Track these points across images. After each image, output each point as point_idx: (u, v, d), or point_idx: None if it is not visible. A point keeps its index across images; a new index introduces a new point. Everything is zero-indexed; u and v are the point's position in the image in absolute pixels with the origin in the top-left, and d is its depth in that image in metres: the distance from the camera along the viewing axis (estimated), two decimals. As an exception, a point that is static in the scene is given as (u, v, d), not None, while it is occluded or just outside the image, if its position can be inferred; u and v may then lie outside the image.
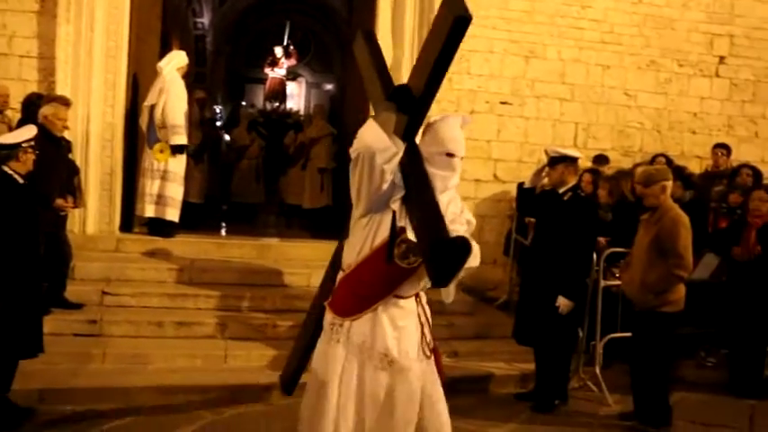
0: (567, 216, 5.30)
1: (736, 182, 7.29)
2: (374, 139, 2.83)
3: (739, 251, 6.15)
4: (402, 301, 3.08)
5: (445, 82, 8.28)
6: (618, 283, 5.83)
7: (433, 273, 2.75)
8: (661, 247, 4.97)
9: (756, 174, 7.41)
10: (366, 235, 2.99)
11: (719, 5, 9.07)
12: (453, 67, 7.91)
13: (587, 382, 5.85)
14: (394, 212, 2.91)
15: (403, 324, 3.07)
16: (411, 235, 2.84)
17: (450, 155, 3.04)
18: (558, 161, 5.37)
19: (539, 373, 5.53)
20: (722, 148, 8.32)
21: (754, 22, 9.22)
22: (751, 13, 9.21)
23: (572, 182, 5.43)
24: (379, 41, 7.60)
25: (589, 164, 7.89)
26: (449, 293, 3.05)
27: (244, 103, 19.05)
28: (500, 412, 5.29)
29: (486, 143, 8.31)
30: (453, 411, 5.19)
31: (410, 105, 2.98)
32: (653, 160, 8.00)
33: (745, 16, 9.18)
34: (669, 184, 5.15)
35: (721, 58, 9.17)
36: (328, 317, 3.13)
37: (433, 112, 7.77)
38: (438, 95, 8.42)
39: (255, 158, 11.77)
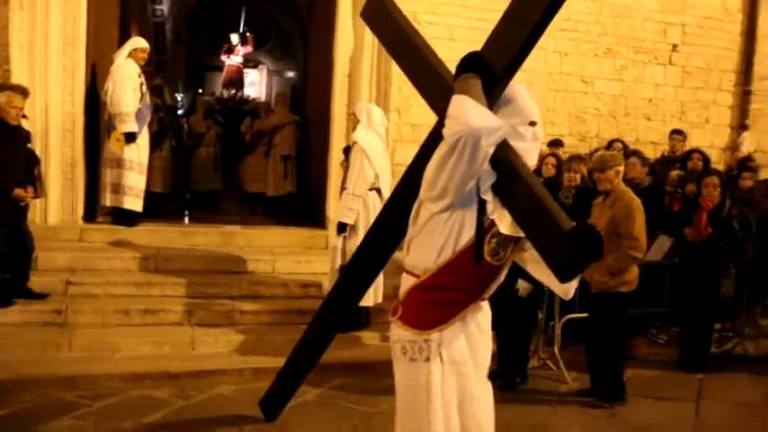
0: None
1: (688, 166, 7.52)
2: (481, 118, 2.39)
3: (691, 233, 6.37)
4: (483, 304, 2.80)
5: (407, 70, 8.37)
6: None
7: (561, 266, 2.38)
8: (616, 230, 5.13)
9: (705, 159, 7.67)
10: (449, 233, 2.58)
11: (673, -5, 9.31)
12: (414, 55, 8.09)
13: (547, 362, 6.02)
14: (481, 204, 2.54)
15: (487, 330, 2.82)
16: (504, 228, 2.55)
17: (534, 123, 2.70)
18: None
19: (500, 354, 5.67)
20: (679, 134, 8.57)
21: (704, 11, 9.47)
22: (702, 4, 9.45)
23: (532, 167, 5.54)
24: (339, 27, 7.77)
25: (546, 149, 8.05)
26: (570, 289, 2.61)
27: (200, 91, 18.88)
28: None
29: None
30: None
31: (491, 77, 2.61)
32: (609, 145, 8.20)
33: (696, 6, 9.42)
34: (622, 168, 5.33)
35: (674, 46, 9.40)
36: (403, 334, 2.70)
37: (395, 99, 7.98)
38: (400, 82, 8.58)
39: (212, 146, 11.71)
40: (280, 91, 16.30)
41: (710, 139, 9.60)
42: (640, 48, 9.20)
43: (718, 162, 9.09)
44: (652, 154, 8.94)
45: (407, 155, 8.21)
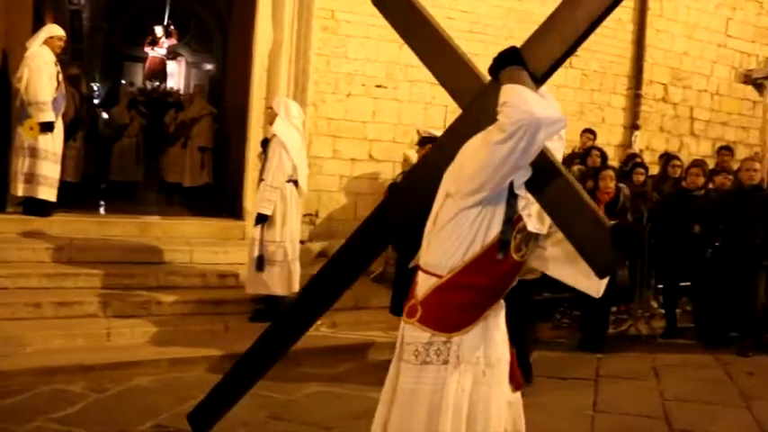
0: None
1: (588, 162, 7.70)
2: (543, 108, 2.18)
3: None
4: (501, 302, 2.61)
5: (323, 65, 8.30)
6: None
7: (603, 263, 2.31)
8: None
9: (603, 155, 7.87)
10: (477, 228, 2.36)
11: (569, 2, 9.48)
12: (330, 51, 7.97)
13: (457, 347, 6.03)
14: (510, 199, 2.37)
15: (503, 326, 2.63)
16: (531, 225, 2.41)
17: None
18: (429, 141, 5.45)
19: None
20: (590, 133, 8.77)
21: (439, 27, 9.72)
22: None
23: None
24: (258, 25, 7.55)
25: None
26: (602, 287, 2.48)
27: (123, 82, 18.13)
28: (378, 377, 5.30)
29: (361, 124, 8.32)
30: (335, 378, 5.30)
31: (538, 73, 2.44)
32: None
33: (594, 13, 9.64)
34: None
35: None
36: (420, 336, 2.45)
37: (311, 93, 7.82)
38: (316, 77, 8.41)
39: (135, 137, 11.26)
40: (198, 83, 15.86)
41: (607, 137, 9.88)
42: (544, 51, 9.34)
43: (614, 159, 9.36)
44: (553, 151, 9.11)
45: (323, 147, 8.14)
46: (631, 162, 8.40)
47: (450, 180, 2.39)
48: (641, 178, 7.70)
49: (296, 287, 6.14)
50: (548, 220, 2.46)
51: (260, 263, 5.97)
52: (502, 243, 2.36)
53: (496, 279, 2.43)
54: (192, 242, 7.11)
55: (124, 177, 11.04)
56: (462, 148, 2.39)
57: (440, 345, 2.41)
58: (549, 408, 4.89)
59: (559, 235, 2.44)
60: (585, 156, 7.91)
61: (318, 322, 6.26)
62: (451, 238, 2.37)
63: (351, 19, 8.09)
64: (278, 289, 6.04)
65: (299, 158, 6.16)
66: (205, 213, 8.45)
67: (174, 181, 11.15)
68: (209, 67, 19.80)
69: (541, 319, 6.85)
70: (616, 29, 9.89)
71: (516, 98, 2.18)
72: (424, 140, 5.47)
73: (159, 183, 11.78)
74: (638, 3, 9.98)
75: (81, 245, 6.59)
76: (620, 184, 6.67)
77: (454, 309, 2.42)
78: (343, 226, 8.29)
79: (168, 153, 11.55)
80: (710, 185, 7.62)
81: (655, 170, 8.96)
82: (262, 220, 5.98)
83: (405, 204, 2.90)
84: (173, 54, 19.89)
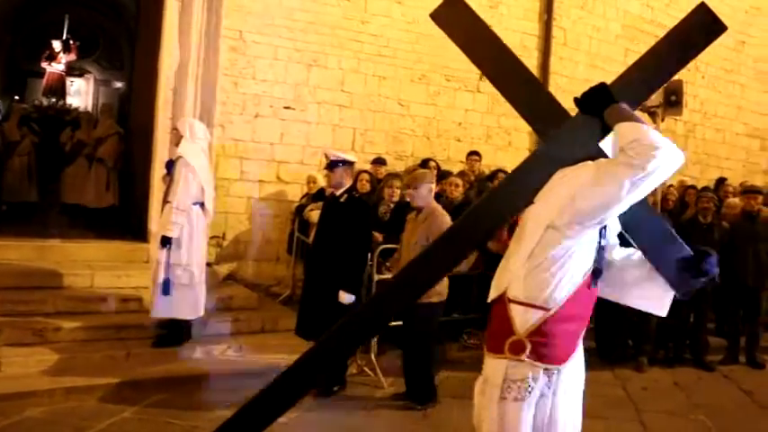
0: (343, 216, 5.45)
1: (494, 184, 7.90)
2: (670, 147, 2.27)
3: (494, 245, 6.67)
4: None
5: (231, 85, 8.27)
6: (390, 276, 6.09)
7: (686, 287, 2.52)
8: (426, 244, 5.26)
9: (508, 177, 8.08)
10: (580, 260, 2.43)
11: (480, 29, 9.80)
12: (238, 72, 7.96)
13: (364, 368, 6.06)
14: (602, 229, 2.44)
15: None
16: (612, 253, 2.56)
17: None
18: (338, 164, 5.51)
19: (320, 362, 5.63)
20: (476, 155, 9.00)
21: (509, 46, 10.06)
22: (506, 38, 9.84)
23: (348, 183, 5.60)
24: (164, 40, 7.44)
25: (368, 166, 8.19)
26: (667, 306, 2.62)
27: (17, 98, 17.37)
28: (285, 401, 5.32)
29: (269, 146, 8.32)
30: (242, 403, 5.21)
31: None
32: (423, 164, 8.46)
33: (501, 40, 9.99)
34: (434, 186, 5.49)
35: (481, 76, 9.85)
36: (532, 371, 2.44)
37: (218, 114, 7.75)
38: (223, 98, 8.34)
39: (27, 155, 10.77)
40: (106, 101, 15.40)
41: (513, 160, 10.19)
42: (452, 76, 9.62)
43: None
44: (460, 173, 9.35)
45: (231, 169, 8.08)
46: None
47: (554, 212, 2.41)
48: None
49: (201, 311, 6.05)
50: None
51: (165, 287, 5.84)
52: (596, 272, 2.46)
53: (588, 306, 2.53)
54: (93, 265, 6.90)
55: (17, 198, 10.55)
56: (561, 181, 2.46)
57: (553, 376, 2.45)
58: (453, 429, 4.98)
59: (622, 261, 2.62)
60: (491, 179, 8.14)
61: (224, 346, 6.21)
62: (557, 269, 2.40)
63: (259, 40, 8.11)
64: (184, 313, 5.93)
65: (205, 180, 6.09)
66: (109, 236, 8.21)
67: (74, 202, 10.73)
68: (118, 84, 19.24)
69: (449, 339, 6.98)
70: (522, 55, 10.04)
71: (643, 137, 2.26)
72: (333, 164, 5.52)
73: (61, 204, 11.34)
74: (543, 31, 10.40)
75: (-28, 270, 6.28)
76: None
77: (566, 339, 2.46)
78: (251, 248, 8.24)
79: (66, 173, 11.11)
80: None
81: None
82: (167, 242, 5.87)
83: (469, 234, 2.83)
84: (79, 71, 19.23)
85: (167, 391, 5.20)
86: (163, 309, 5.91)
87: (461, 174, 8.25)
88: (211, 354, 6.06)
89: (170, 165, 6.15)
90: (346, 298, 5.36)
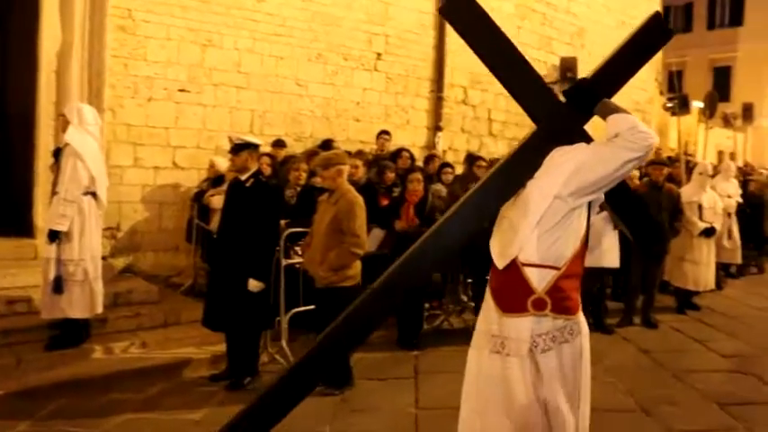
0: (250, 201, 5.24)
1: (398, 164, 7.89)
2: (655, 136, 2.81)
3: (401, 224, 6.67)
4: None
5: (120, 67, 7.79)
6: (300, 260, 5.95)
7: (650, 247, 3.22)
8: (339, 227, 5.15)
9: (412, 157, 8.12)
10: (579, 224, 2.84)
11: (377, 9, 9.74)
12: (128, 53, 7.51)
13: (276, 356, 5.90)
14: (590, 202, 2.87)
15: None
16: (594, 220, 2.97)
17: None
18: (242, 148, 5.29)
19: (230, 353, 5.43)
20: (386, 134, 8.96)
21: (404, 25, 10.09)
22: (402, 17, 10.05)
23: (254, 168, 5.39)
24: (43, 23, 6.88)
25: (268, 149, 7.96)
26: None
27: None
28: (195, 397, 5.10)
29: (164, 130, 7.91)
30: (147, 403, 4.96)
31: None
32: (324, 145, 8.32)
33: (397, 19, 9.99)
34: (345, 168, 5.36)
35: (379, 55, 9.86)
36: (555, 323, 2.83)
37: (108, 97, 7.29)
38: (113, 81, 7.86)
39: None
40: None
41: (412, 138, 10.25)
42: (349, 55, 9.50)
43: (419, 159, 9.69)
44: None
45: (123, 156, 7.64)
46: (434, 162, 8.68)
47: (560, 184, 2.76)
48: (450, 177, 8.03)
49: (99, 308, 5.70)
50: None
51: (57, 284, 5.45)
52: (587, 234, 2.88)
53: (582, 264, 2.91)
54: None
55: None
56: (562, 158, 2.82)
57: (571, 326, 2.86)
58: (373, 409, 4.94)
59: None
60: (395, 157, 8.10)
61: (126, 343, 5.89)
62: (563, 233, 2.80)
63: (150, 19, 7.65)
64: (78, 312, 5.56)
65: (96, 168, 5.70)
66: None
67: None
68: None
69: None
70: (419, 33, 10.29)
71: (638, 126, 2.72)
72: (238, 147, 5.28)
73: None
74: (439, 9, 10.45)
75: None
76: (437, 186, 6.90)
77: (573, 293, 2.86)
78: (148, 238, 7.85)
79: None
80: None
81: (459, 170, 9.41)
82: (55, 237, 5.46)
83: (476, 212, 2.99)
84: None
85: (66, 398, 4.85)
86: (54, 309, 5.52)
87: (359, 153, 8.17)
88: (112, 352, 5.73)
89: (57, 153, 5.73)
90: (255, 285, 5.18)
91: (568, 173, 2.76)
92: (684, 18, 30.56)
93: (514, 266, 2.81)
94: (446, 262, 3.47)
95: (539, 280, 2.78)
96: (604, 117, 2.85)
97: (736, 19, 30.29)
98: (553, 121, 2.94)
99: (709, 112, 15.52)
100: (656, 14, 3.07)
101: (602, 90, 2.93)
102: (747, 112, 24.26)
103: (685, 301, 8.39)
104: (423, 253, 2.92)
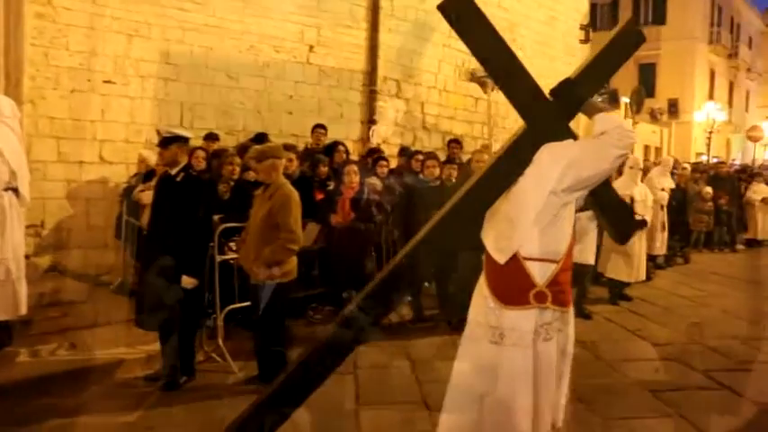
0: (180, 196, 5.10)
1: (335, 158, 7.84)
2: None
3: (336, 218, 6.64)
4: None
5: (41, 57, 7.48)
6: (234, 256, 5.84)
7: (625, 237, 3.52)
8: (274, 222, 5.06)
9: (347, 150, 8.08)
10: (571, 219, 3.00)
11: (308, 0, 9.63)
12: (48, 42, 7.21)
13: (212, 354, 5.78)
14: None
15: None
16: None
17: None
18: (171, 141, 5.14)
19: (164, 353, 5.29)
20: (321, 128, 8.89)
21: (336, 17, 10.02)
22: (334, 9, 9.98)
23: (184, 161, 5.25)
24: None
25: (200, 142, 7.78)
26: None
27: None
28: (129, 398, 4.94)
29: (90, 123, 7.65)
30: (79, 407, 4.77)
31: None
32: (257, 139, 8.18)
33: (329, 11, 9.91)
34: (280, 162, 5.28)
35: (311, 47, 9.77)
36: (554, 315, 3.05)
37: (27, 89, 7.00)
38: (32, 71, 7.54)
39: None
40: None
41: (346, 132, 10.20)
42: (281, 47, 9.38)
43: (353, 152, 9.67)
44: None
45: (46, 150, 7.34)
46: (375, 156, 8.68)
47: (554, 180, 2.89)
48: (385, 170, 8.02)
49: (23, 309, 5.48)
50: None
51: (-24, 285, 5.21)
52: (574, 228, 3.03)
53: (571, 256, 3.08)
54: None
55: None
56: (553, 156, 2.93)
57: (566, 316, 3.09)
58: (313, 406, 4.87)
59: None
60: (330, 151, 8.05)
61: (54, 345, 5.68)
62: (558, 227, 2.95)
63: (71, 6, 7.36)
64: (1, 313, 5.32)
65: (17, 163, 5.50)
66: None
67: None
68: None
69: (295, 317, 6.83)
70: (351, 26, 10.25)
71: (623, 125, 2.98)
72: (166, 141, 5.13)
73: None
74: (371, 2, 10.42)
75: None
76: (373, 179, 6.89)
77: (567, 286, 3.04)
78: (75, 236, 7.58)
79: None
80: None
81: (393, 163, 9.43)
82: (-26, 236, 5.22)
83: (477, 201, 3.12)
84: None
85: (-11, 404, 4.63)
86: (-25, 310, 5.28)
87: (290, 147, 8.07)
88: (39, 355, 5.52)
89: (-27, 148, 5.46)
90: (189, 282, 5.06)
91: (561, 169, 2.89)
92: (611, 16, 31.44)
93: (515, 260, 2.93)
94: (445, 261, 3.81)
95: (540, 274, 2.94)
96: (591, 116, 3.04)
97: (660, 18, 31.44)
98: (543, 118, 3.10)
99: (636, 107, 16.01)
100: (631, 20, 3.42)
101: (584, 90, 3.14)
102: (673, 108, 25.24)
103: (618, 292, 8.63)
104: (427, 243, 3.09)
